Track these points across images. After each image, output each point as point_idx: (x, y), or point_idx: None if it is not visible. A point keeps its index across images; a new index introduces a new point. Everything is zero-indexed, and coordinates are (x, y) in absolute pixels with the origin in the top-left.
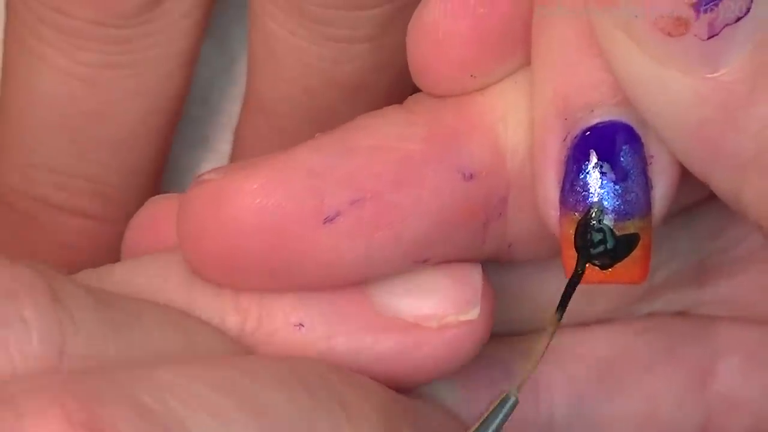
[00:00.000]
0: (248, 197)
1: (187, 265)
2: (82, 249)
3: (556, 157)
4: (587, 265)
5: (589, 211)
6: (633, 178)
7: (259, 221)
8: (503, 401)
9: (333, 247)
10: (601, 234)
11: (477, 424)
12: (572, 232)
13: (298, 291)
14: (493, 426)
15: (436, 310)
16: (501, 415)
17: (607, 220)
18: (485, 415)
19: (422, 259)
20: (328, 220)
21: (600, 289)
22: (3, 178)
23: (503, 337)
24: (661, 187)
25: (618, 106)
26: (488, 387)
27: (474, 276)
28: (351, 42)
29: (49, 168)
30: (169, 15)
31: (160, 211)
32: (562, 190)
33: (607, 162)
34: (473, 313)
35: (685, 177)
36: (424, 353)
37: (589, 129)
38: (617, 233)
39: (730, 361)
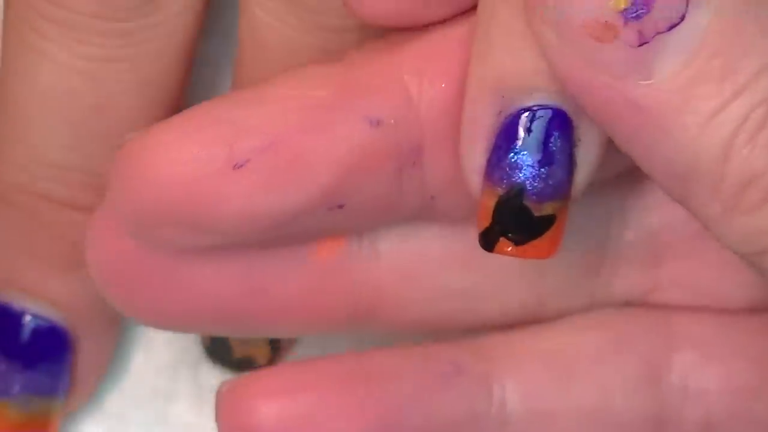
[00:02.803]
0: (164, 150)
1: (121, 224)
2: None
3: (487, 129)
4: (501, 238)
5: (511, 189)
6: (558, 162)
7: (175, 172)
8: None
9: (244, 194)
10: (520, 214)
11: None
12: (492, 205)
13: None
14: None
15: None
16: None
17: (528, 202)
18: None
19: (337, 204)
20: (238, 166)
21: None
22: (3, 173)
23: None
24: (584, 170)
25: (556, 93)
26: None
27: None
28: (340, 31)
29: (49, 163)
30: (169, 8)
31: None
32: (488, 162)
33: (536, 145)
34: None
35: None
36: None
37: (523, 110)
38: (535, 214)
39: (685, 354)
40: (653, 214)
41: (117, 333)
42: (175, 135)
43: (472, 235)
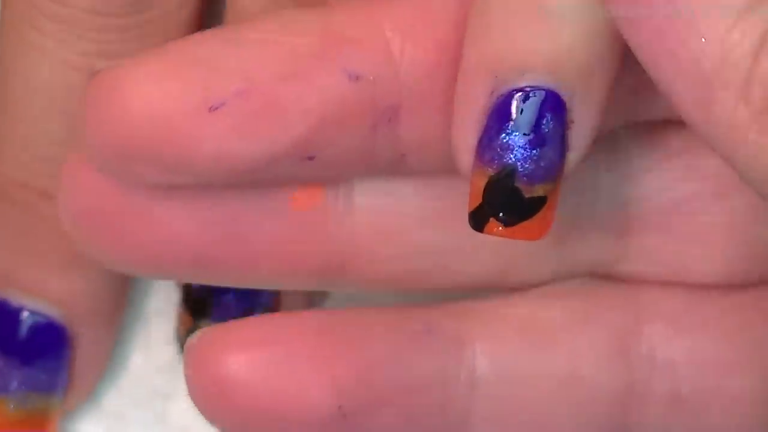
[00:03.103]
0: (139, 85)
1: (88, 160)
2: None
3: (480, 108)
4: (491, 218)
5: (502, 170)
6: (551, 144)
7: (149, 108)
8: None
9: (217, 137)
10: (511, 195)
11: None
12: (482, 185)
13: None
14: None
15: None
16: None
17: (519, 183)
18: None
19: (308, 155)
20: (213, 108)
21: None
22: (2, 170)
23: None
24: (576, 151)
25: (549, 75)
26: None
27: None
28: None
29: (48, 159)
30: (166, 4)
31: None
32: (480, 142)
33: (529, 127)
34: None
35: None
36: None
37: (516, 90)
38: (526, 196)
39: (654, 325)
40: (625, 185)
41: (116, 330)
42: (152, 70)
43: (448, 194)
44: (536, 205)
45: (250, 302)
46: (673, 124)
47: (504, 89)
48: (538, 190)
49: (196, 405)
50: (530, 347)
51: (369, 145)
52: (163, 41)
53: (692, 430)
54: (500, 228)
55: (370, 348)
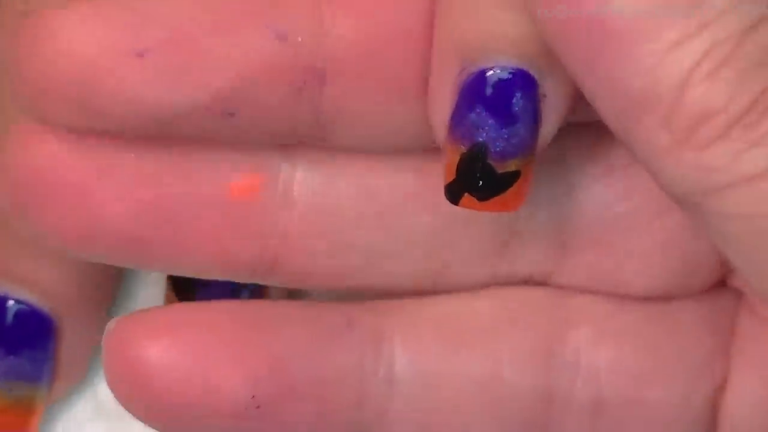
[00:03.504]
0: (65, 28)
1: (14, 99)
2: None
3: (451, 85)
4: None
5: (473, 148)
6: (522, 121)
7: (74, 50)
8: None
9: (140, 82)
10: (483, 171)
11: None
12: (455, 160)
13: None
14: None
15: None
16: None
17: (491, 160)
18: None
19: (229, 111)
20: (139, 54)
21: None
22: None
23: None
24: (549, 124)
25: (518, 54)
26: None
27: None
28: None
29: None
30: None
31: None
32: (452, 119)
33: (498, 105)
34: None
35: None
36: None
37: (485, 70)
38: (498, 171)
39: (579, 331)
40: (566, 199)
41: (103, 320)
42: (81, 14)
43: (386, 193)
44: (509, 179)
45: (235, 283)
46: (613, 142)
47: (472, 69)
48: (511, 166)
49: (113, 392)
50: (451, 346)
51: (289, 109)
52: None
53: None
54: (474, 203)
55: (286, 339)
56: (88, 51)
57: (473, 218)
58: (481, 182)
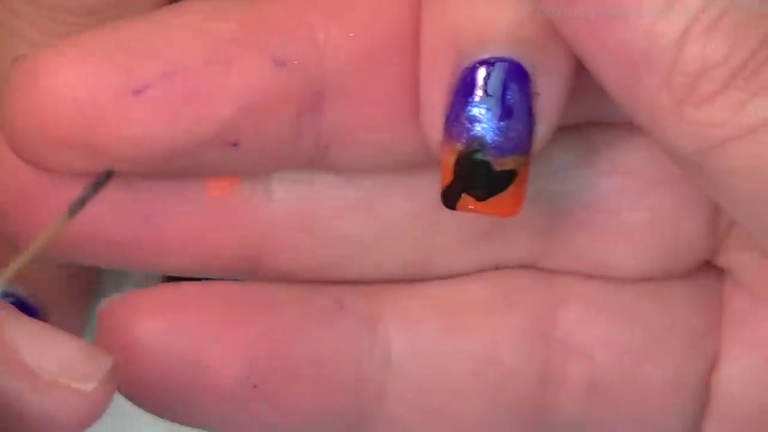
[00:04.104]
0: (62, 69)
1: (10, 147)
2: None
3: (445, 84)
4: (463, 194)
5: (471, 144)
6: (517, 115)
7: (71, 94)
8: None
9: (141, 120)
10: (481, 168)
11: None
12: (452, 160)
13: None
14: None
15: (52, 364)
16: None
17: (488, 156)
18: None
19: (232, 142)
20: (137, 92)
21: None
22: None
23: None
24: (544, 124)
25: (510, 45)
26: None
27: (104, 358)
28: None
29: None
30: None
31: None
32: (447, 118)
33: (494, 98)
34: (88, 385)
35: None
36: (28, 399)
37: (479, 62)
38: (496, 168)
39: (569, 310)
40: (549, 182)
41: (86, 310)
42: (74, 55)
43: (368, 185)
44: (507, 178)
45: None
46: (595, 123)
47: (468, 62)
48: (509, 163)
49: None
50: (446, 327)
51: (293, 134)
52: None
53: (608, 416)
54: (473, 204)
55: (280, 320)
56: (86, 93)
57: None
58: (479, 180)
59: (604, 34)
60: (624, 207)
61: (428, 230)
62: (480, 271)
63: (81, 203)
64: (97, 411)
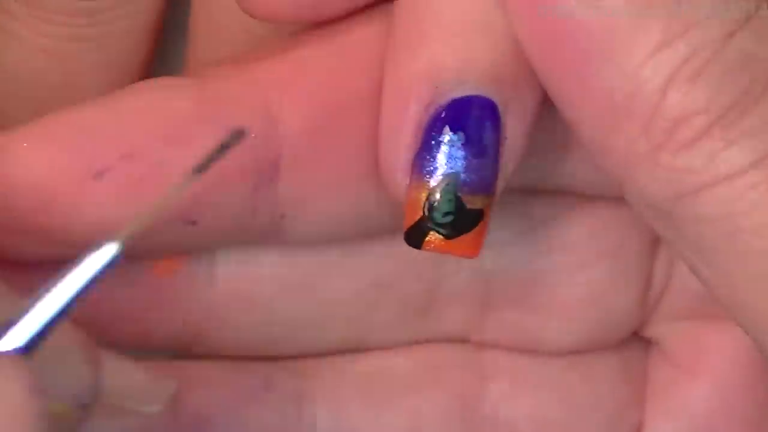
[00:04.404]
0: (20, 155)
1: None
2: None
3: (415, 123)
4: (429, 233)
5: (444, 180)
6: (490, 154)
7: (31, 179)
8: (103, 248)
9: (102, 204)
10: (452, 205)
11: (68, 274)
12: (422, 198)
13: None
14: (89, 274)
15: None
16: (99, 264)
17: (461, 193)
18: (80, 262)
19: (191, 221)
20: (98, 175)
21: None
22: None
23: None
24: (509, 163)
25: (488, 85)
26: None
27: (168, 381)
28: None
29: None
30: None
31: None
32: (418, 156)
33: (471, 135)
34: (153, 408)
35: None
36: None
37: (458, 100)
38: (467, 206)
39: (496, 385)
40: (487, 257)
41: None
42: (34, 139)
43: (311, 264)
44: (475, 217)
45: None
46: (538, 192)
47: (444, 99)
48: (477, 202)
49: None
50: (372, 405)
51: (249, 208)
52: (131, 25)
53: None
54: (440, 242)
55: (209, 399)
56: (44, 177)
57: (394, 283)
58: (450, 216)
59: (588, 76)
60: (560, 283)
61: (367, 308)
62: (414, 344)
63: (206, 165)
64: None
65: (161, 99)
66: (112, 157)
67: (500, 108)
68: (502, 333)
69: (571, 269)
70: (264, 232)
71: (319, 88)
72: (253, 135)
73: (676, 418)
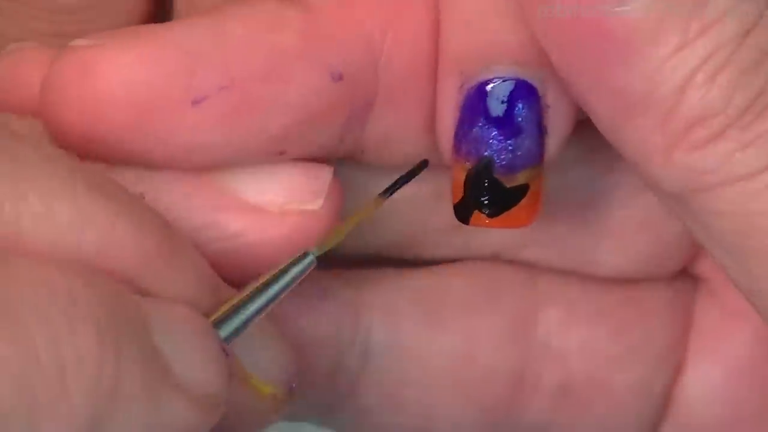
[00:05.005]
0: (118, 70)
1: (48, 131)
2: None
3: (454, 104)
4: (475, 210)
5: (478, 163)
6: (526, 131)
7: (128, 95)
8: (301, 258)
9: (196, 129)
10: (490, 187)
11: (269, 276)
12: (462, 178)
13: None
14: (287, 279)
15: (278, 196)
16: (296, 271)
17: (497, 174)
18: (280, 268)
19: (279, 151)
20: (196, 102)
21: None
22: None
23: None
24: (556, 134)
25: (516, 64)
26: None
27: (323, 171)
28: None
29: None
30: None
31: (23, 60)
32: (455, 136)
33: (500, 118)
34: (316, 204)
35: None
36: (262, 237)
37: (484, 83)
38: (506, 186)
39: (550, 313)
40: (553, 176)
41: None
42: (133, 57)
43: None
44: (519, 193)
45: None
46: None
47: (472, 83)
48: (520, 179)
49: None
50: (426, 322)
51: (336, 141)
52: (114, 22)
53: (572, 419)
54: (486, 219)
55: None
56: (143, 96)
57: (445, 193)
58: (488, 199)
59: (605, 76)
60: (617, 204)
61: (424, 212)
62: (461, 257)
63: (393, 189)
64: (326, 227)
65: (266, 30)
66: (211, 86)
67: (537, 83)
68: (553, 252)
69: (627, 192)
70: (343, 156)
71: (421, 34)
72: (352, 76)
73: (716, 362)
